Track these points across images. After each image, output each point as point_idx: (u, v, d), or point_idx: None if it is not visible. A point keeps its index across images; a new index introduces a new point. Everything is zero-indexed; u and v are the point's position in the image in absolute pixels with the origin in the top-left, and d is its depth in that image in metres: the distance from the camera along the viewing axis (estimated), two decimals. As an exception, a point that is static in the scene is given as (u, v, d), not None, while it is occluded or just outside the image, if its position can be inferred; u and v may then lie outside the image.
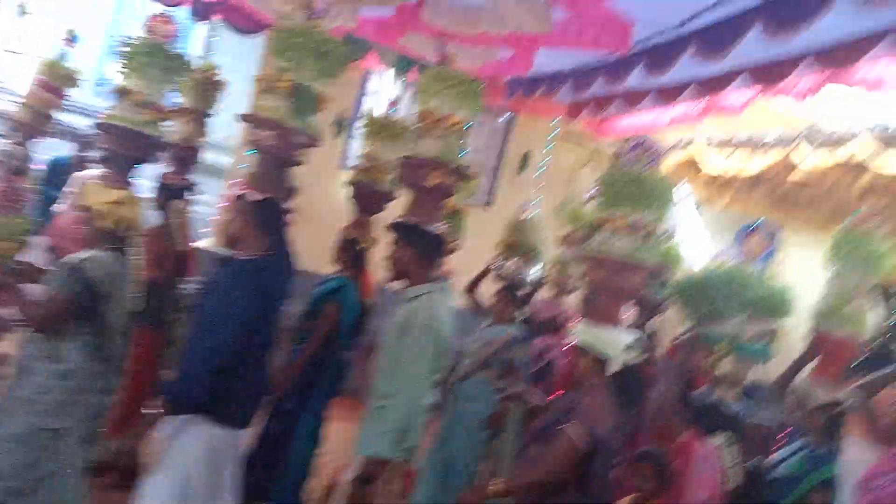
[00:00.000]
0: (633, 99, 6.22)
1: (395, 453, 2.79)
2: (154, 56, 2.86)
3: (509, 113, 7.72)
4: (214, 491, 2.74)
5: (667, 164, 6.79)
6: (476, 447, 4.34)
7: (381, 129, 4.40)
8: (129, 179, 2.97)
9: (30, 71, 4.99)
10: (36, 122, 4.71)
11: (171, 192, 4.37)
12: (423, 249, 2.98)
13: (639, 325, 5.24)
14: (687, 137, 6.64)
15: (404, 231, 3.03)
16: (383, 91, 7.75)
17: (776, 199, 6.55)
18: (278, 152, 2.79)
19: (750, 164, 6.02)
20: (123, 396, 4.09)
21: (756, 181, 6.55)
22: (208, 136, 4.42)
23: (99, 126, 2.96)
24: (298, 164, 2.92)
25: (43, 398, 2.70)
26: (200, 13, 6.38)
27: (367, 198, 4.04)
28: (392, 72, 7.11)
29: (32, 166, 4.77)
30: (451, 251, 4.78)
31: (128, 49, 2.87)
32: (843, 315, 3.52)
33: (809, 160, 5.46)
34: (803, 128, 5.48)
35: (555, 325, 4.88)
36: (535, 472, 2.71)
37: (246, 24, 6.72)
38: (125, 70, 2.89)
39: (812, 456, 3.34)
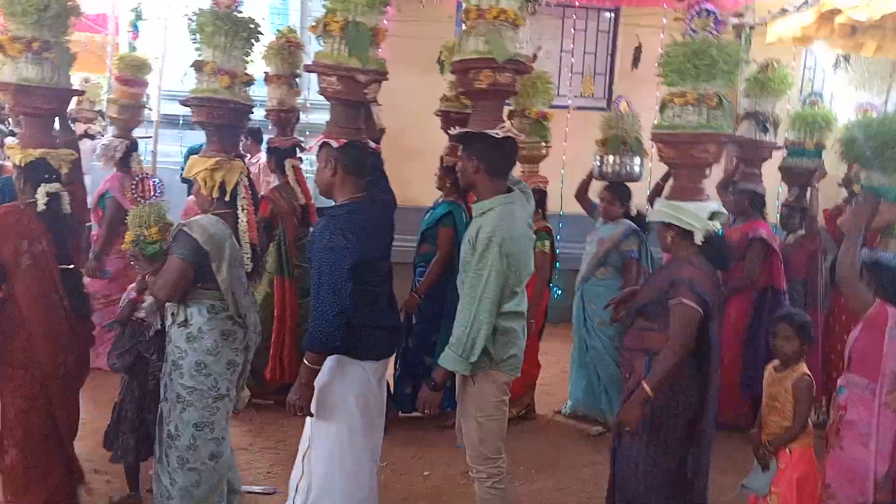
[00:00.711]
0: (747, -38, 5.65)
1: (458, 367, 2.82)
2: (220, 24, 2.98)
3: (613, 8, 7.27)
4: (372, 422, 2.93)
5: (800, 23, 6.10)
6: (609, 344, 4.41)
7: (452, 51, 4.34)
8: (227, 146, 3.14)
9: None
10: (125, 114, 5.20)
11: (280, 154, 4.64)
12: (485, 158, 2.86)
13: (792, 200, 4.95)
14: (817, -11, 5.89)
15: (464, 140, 2.94)
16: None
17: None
18: (345, 95, 2.81)
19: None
20: (273, 343, 4.53)
21: (905, 20, 5.71)
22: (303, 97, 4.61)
23: (184, 102, 3.15)
24: (370, 102, 2.92)
25: (183, 361, 2.99)
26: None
27: (458, 123, 4.02)
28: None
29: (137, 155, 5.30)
30: (535, 158, 4.73)
31: (195, 22, 3.01)
32: None
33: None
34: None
35: None
36: (669, 352, 2.79)
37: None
38: (197, 43, 3.05)
39: None
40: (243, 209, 3.14)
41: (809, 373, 2.99)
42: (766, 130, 5.01)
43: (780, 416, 2.99)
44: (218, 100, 3.05)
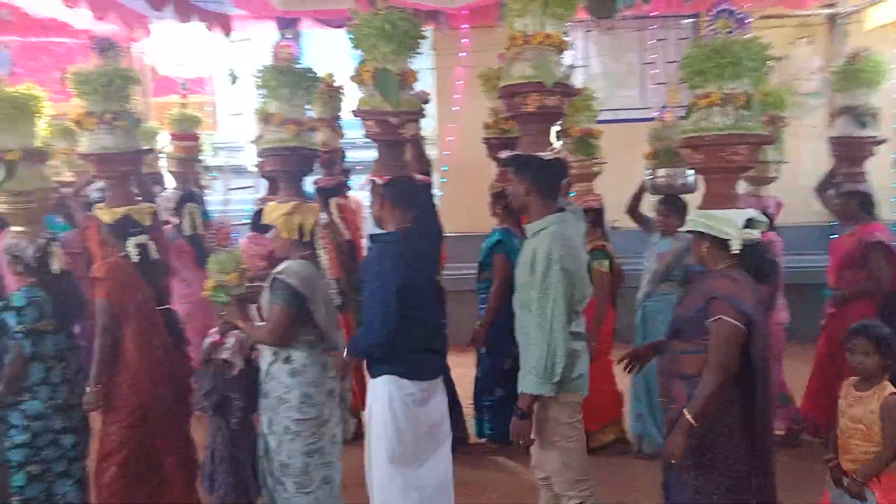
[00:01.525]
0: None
1: (542, 389, 2.80)
2: (284, 77, 3.17)
3: (693, 15, 7.05)
4: (425, 441, 3.04)
5: (873, 24, 5.70)
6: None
7: (494, 80, 4.39)
8: (299, 191, 3.33)
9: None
10: (182, 167, 5.61)
11: (327, 193, 4.82)
12: (536, 180, 2.87)
13: None
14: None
15: (514, 164, 2.96)
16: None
17: None
18: (383, 136, 2.94)
19: None
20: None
21: None
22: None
23: (258, 154, 3.36)
24: (408, 140, 3.02)
25: (289, 395, 3.18)
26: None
27: (502, 148, 4.06)
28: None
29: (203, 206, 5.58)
30: (585, 176, 4.66)
31: (261, 77, 3.21)
32: None
33: None
34: None
35: None
36: (710, 376, 2.59)
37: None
38: (264, 96, 3.25)
39: None
40: (324, 248, 3.30)
41: None
42: (864, 125, 4.66)
43: (867, 439, 2.69)
44: (288, 148, 3.23)
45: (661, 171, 4.54)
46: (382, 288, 2.86)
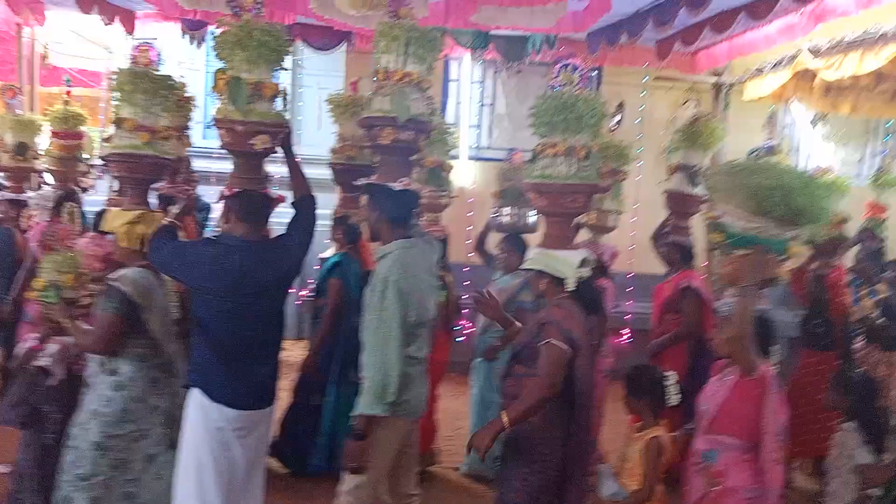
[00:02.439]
0: (721, 24, 5.68)
1: (376, 410, 2.79)
2: (140, 82, 3.09)
3: (596, 67, 7.35)
4: (229, 467, 2.88)
5: (776, 83, 6.11)
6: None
7: (345, 107, 4.44)
8: (145, 199, 3.23)
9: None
10: (63, 165, 5.44)
11: (168, 202, 4.70)
12: (387, 208, 2.94)
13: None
14: (791, 52, 5.91)
15: (368, 192, 3.02)
16: (465, 74, 7.74)
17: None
18: (233, 146, 2.91)
19: (866, 64, 5.21)
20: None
21: (878, 80, 5.68)
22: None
23: (104, 158, 3.26)
24: (261, 152, 2.99)
25: (107, 409, 3.00)
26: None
27: (347, 174, 4.12)
28: (469, 54, 7.10)
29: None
30: (435, 207, 4.75)
31: (116, 80, 3.12)
32: None
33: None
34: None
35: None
36: (535, 388, 2.75)
37: (322, 41, 7.06)
38: (118, 100, 3.16)
39: None
40: None
41: (662, 436, 2.83)
42: (696, 184, 4.94)
43: (632, 477, 2.85)
44: (137, 155, 3.13)
45: (506, 210, 4.66)
46: (186, 276, 2.87)
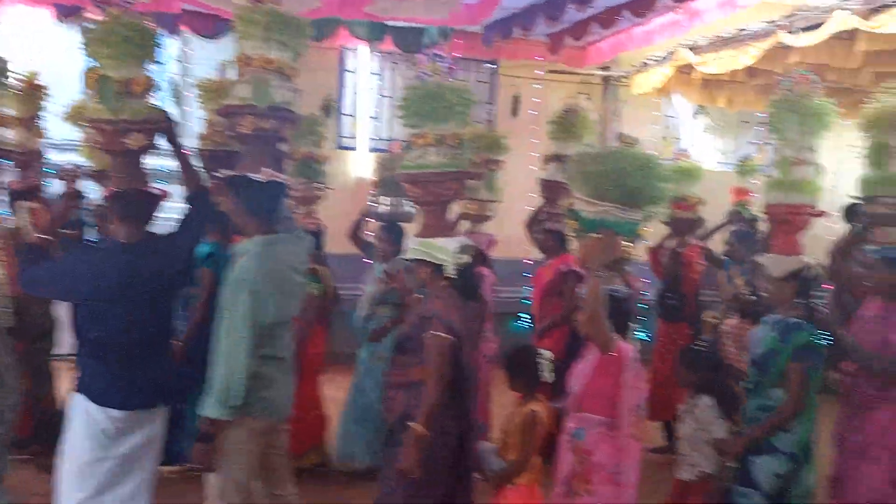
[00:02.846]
0: (607, 20, 5.90)
1: (219, 413, 2.69)
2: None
3: (492, 60, 7.47)
4: (112, 467, 2.76)
5: (658, 77, 6.42)
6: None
7: (212, 92, 4.28)
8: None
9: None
10: None
11: (18, 196, 4.47)
12: (248, 201, 2.83)
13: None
14: (671, 47, 6.23)
15: (228, 184, 2.90)
16: (362, 65, 7.68)
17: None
18: (105, 145, 2.78)
19: (740, 60, 5.59)
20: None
21: (751, 75, 6.09)
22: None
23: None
24: (138, 150, 2.86)
25: None
26: (168, 26, 6.45)
27: (215, 161, 3.99)
28: (365, 44, 7.04)
29: None
30: (309, 199, 4.68)
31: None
32: (790, 183, 3.30)
33: (801, 40, 5.03)
34: (788, 10, 5.08)
35: None
36: (429, 386, 2.81)
37: (209, 29, 6.79)
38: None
39: (784, 325, 3.17)
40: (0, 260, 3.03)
41: (539, 410, 2.90)
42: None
43: (510, 450, 2.95)
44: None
45: (384, 200, 4.68)
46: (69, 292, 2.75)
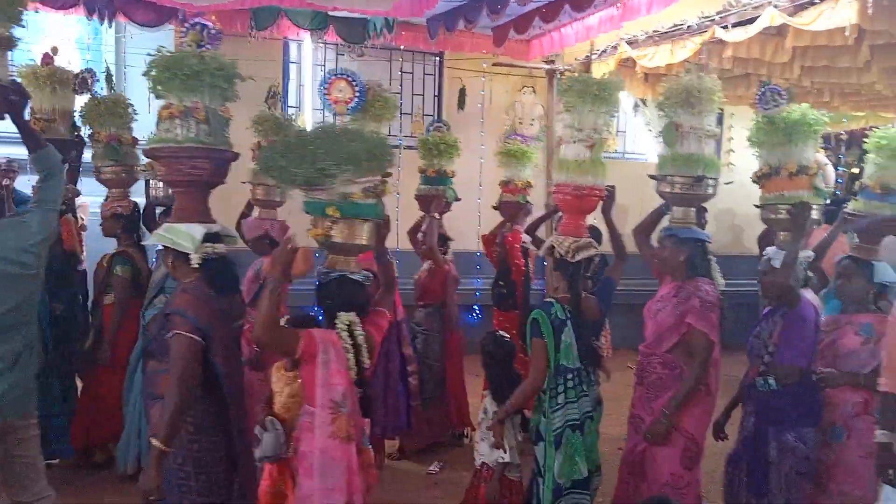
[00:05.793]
0: (549, 14, 5.92)
1: None
2: None
3: (437, 52, 7.45)
4: None
5: (602, 71, 6.48)
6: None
7: (44, 79, 4.26)
8: None
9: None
10: None
11: None
12: None
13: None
14: (613, 41, 6.29)
15: None
16: (306, 57, 7.58)
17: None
18: None
19: (676, 54, 5.67)
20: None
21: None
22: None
23: None
24: None
25: None
26: (102, 15, 6.27)
27: None
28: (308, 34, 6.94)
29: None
30: (120, 182, 4.50)
31: None
32: (576, 165, 3.33)
33: (734, 35, 5.13)
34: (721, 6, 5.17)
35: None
36: (170, 393, 2.51)
37: (148, 18, 6.61)
38: None
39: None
40: None
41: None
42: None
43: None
44: None
45: (159, 183, 4.43)
46: None
